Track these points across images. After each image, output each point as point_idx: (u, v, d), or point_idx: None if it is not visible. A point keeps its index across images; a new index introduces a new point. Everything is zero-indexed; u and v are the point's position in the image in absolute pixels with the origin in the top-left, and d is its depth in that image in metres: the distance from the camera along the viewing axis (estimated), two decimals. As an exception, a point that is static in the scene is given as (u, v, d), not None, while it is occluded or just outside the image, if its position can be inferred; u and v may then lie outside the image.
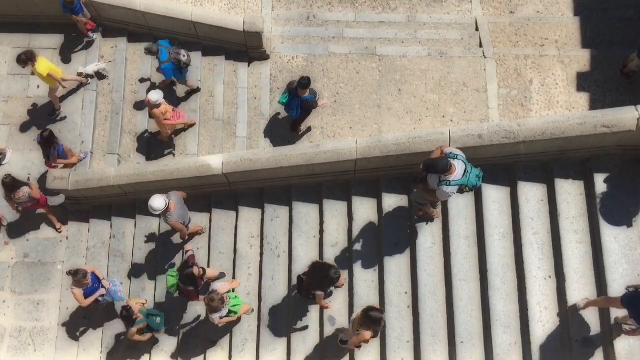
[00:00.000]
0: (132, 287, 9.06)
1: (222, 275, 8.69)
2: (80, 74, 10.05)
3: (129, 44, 10.55)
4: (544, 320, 7.79)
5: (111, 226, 9.41)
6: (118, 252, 9.22)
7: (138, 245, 9.22)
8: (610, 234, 7.89)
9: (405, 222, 8.53)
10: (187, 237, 8.81)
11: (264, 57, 10.59)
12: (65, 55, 10.44)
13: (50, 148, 8.98)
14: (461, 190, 6.86)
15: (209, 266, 8.86)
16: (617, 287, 7.64)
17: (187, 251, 8.44)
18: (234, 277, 8.77)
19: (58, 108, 10.04)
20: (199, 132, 10.12)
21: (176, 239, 9.14)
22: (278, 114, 10.15)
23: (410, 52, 10.59)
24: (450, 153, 6.83)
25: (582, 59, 10.42)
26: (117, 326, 8.91)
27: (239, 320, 8.51)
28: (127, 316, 7.75)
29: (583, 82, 10.26)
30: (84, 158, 9.80)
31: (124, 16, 10.22)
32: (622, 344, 7.49)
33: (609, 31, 10.74)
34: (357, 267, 8.41)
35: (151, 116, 9.32)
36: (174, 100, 10.12)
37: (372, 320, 6.65)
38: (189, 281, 7.82)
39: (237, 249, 8.90)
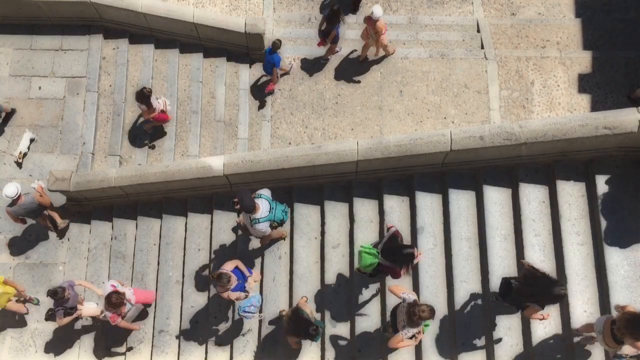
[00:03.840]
0: (133, 287, 9.04)
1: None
2: (20, 154, 9.70)
3: (130, 46, 10.57)
4: (545, 322, 7.77)
5: (112, 227, 9.41)
6: (119, 253, 9.22)
7: (139, 246, 9.22)
8: (612, 236, 7.88)
9: (406, 224, 8.53)
10: (18, 223, 8.87)
11: (265, 58, 10.61)
12: (66, 57, 10.44)
13: (337, 24, 9.33)
14: (271, 226, 7.46)
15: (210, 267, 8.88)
16: (618, 289, 7.64)
17: (389, 227, 7.36)
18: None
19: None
20: (201, 133, 10.14)
21: (177, 240, 9.15)
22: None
23: (411, 53, 10.59)
24: (256, 193, 7.40)
25: (583, 61, 10.42)
26: (118, 327, 8.89)
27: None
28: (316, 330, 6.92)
29: (584, 83, 10.26)
30: (338, 51, 10.41)
31: (125, 18, 10.23)
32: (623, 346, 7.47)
33: (611, 33, 10.75)
34: (358, 269, 8.41)
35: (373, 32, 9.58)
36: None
37: None
38: (403, 261, 6.88)
39: (239, 250, 8.89)
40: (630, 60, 10.23)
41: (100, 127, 10.11)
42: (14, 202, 8.37)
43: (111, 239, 9.35)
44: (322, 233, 8.72)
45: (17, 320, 9.10)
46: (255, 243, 8.87)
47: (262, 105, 10.35)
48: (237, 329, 8.58)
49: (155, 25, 10.32)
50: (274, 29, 11.05)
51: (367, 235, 8.56)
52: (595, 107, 10.08)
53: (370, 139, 8.29)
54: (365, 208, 8.69)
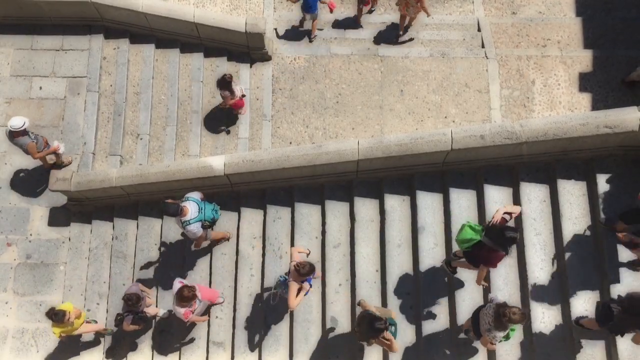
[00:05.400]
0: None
1: None
2: None
3: (131, 45, 10.57)
4: (546, 321, 7.78)
5: (113, 227, 9.42)
6: (120, 253, 9.23)
7: (140, 246, 9.22)
8: (613, 235, 7.87)
9: (407, 223, 8.53)
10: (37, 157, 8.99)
11: (265, 58, 10.61)
12: (67, 57, 10.44)
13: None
14: (203, 226, 7.76)
15: (210, 269, 8.90)
16: (620, 288, 7.63)
17: (512, 215, 6.71)
18: (235, 278, 8.78)
19: None
20: (201, 133, 10.14)
21: (178, 239, 9.15)
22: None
23: (412, 52, 10.59)
24: (184, 196, 7.70)
25: (584, 60, 10.41)
26: (119, 327, 8.91)
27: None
28: (381, 328, 6.50)
29: (585, 82, 10.25)
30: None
31: (126, 17, 10.23)
32: (625, 345, 7.47)
33: (612, 31, 10.73)
34: (359, 269, 8.40)
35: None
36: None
37: None
38: (505, 244, 6.38)
39: (239, 249, 8.90)
40: (631, 59, 10.21)
41: (101, 127, 10.11)
42: (12, 134, 8.54)
43: (112, 239, 9.36)
44: (323, 232, 8.73)
45: (18, 320, 9.12)
46: (256, 243, 8.89)
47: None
48: (238, 328, 8.59)
49: (156, 25, 10.32)
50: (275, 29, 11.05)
51: (368, 234, 8.56)
52: (596, 106, 10.07)
53: (371, 139, 8.30)
54: (366, 207, 8.70)
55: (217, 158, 8.58)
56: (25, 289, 9.26)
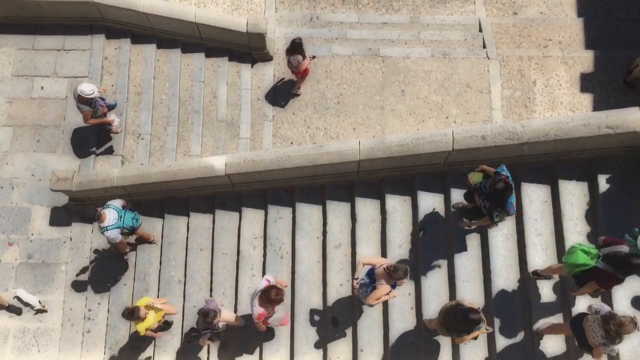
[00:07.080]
0: (135, 287, 9.07)
1: None
2: (41, 304, 9.07)
3: (132, 45, 10.57)
4: (548, 322, 7.77)
5: (115, 227, 9.42)
6: (121, 252, 9.23)
7: (141, 246, 9.22)
8: (615, 235, 7.86)
9: (408, 224, 8.53)
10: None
11: (267, 58, 10.61)
12: (69, 57, 10.45)
13: None
14: (122, 232, 8.04)
15: (211, 271, 8.90)
16: (619, 288, 7.62)
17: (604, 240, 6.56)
18: (236, 279, 8.78)
19: None
20: (203, 133, 10.15)
21: (180, 240, 9.15)
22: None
23: (413, 53, 10.58)
24: (106, 203, 8.04)
25: (585, 60, 10.41)
26: (120, 327, 8.92)
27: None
28: (477, 319, 6.43)
29: (587, 82, 10.25)
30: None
31: (127, 18, 10.24)
32: (626, 346, 7.47)
33: (613, 32, 10.73)
34: (360, 268, 8.41)
35: None
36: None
37: None
38: (629, 271, 6.29)
39: (240, 250, 8.91)
40: (633, 60, 10.19)
41: (102, 127, 10.11)
42: (81, 98, 8.66)
43: (113, 239, 9.36)
44: (324, 233, 8.73)
45: (20, 320, 9.13)
46: (257, 243, 8.90)
47: None
48: (239, 328, 8.58)
49: (157, 25, 10.32)
50: (276, 29, 11.05)
51: (369, 234, 8.57)
52: (598, 106, 10.07)
53: (372, 139, 8.30)
54: (367, 208, 8.70)
55: (219, 158, 8.59)
56: (27, 288, 9.24)
